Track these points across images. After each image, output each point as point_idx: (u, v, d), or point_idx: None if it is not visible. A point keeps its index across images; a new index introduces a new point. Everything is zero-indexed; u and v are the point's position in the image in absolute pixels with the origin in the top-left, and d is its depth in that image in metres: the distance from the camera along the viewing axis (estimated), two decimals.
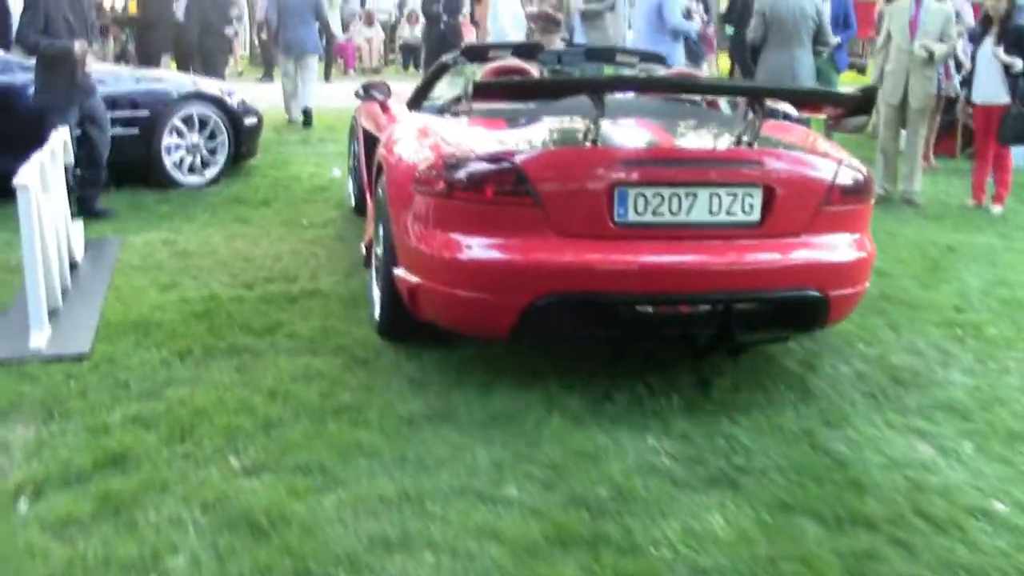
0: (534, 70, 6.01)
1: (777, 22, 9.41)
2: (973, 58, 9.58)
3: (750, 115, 4.83)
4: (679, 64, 9.85)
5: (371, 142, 6.82)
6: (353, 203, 8.20)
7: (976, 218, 9.19)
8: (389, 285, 5.01)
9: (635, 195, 4.45)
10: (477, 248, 4.45)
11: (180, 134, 9.11)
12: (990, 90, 9.34)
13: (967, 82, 9.92)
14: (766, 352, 5.35)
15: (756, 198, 4.57)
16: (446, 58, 7.18)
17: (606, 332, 4.77)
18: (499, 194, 4.43)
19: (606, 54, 7.52)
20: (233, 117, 9.40)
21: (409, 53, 24.20)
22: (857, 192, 4.86)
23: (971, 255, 7.75)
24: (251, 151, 9.85)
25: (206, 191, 9.00)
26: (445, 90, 6.84)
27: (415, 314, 4.86)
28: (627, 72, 7.00)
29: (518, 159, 4.45)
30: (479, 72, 5.98)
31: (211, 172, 9.31)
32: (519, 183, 4.41)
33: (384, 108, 6.78)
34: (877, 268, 6.47)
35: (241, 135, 9.48)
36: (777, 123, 5.52)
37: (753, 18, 9.51)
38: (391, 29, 25.64)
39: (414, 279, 4.69)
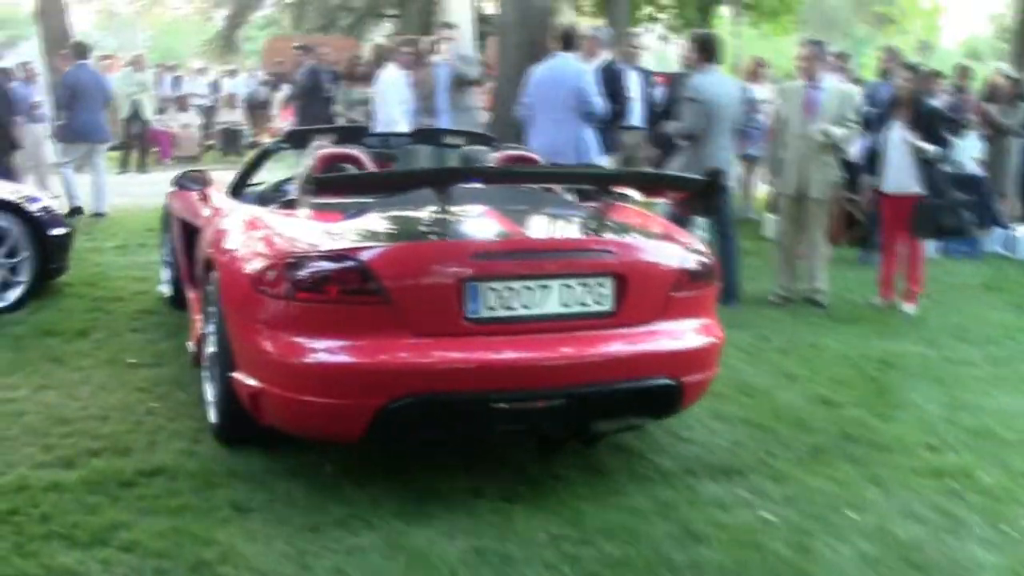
0: (364, 156, 5.85)
1: (718, 111, 8.52)
2: (880, 143, 8.79)
3: (596, 202, 4.83)
4: (596, 152, 9.15)
5: (188, 231, 6.70)
6: (170, 294, 7.83)
7: (892, 320, 8.47)
8: (226, 389, 4.75)
9: (487, 289, 4.37)
10: (324, 351, 4.28)
11: None
12: (902, 179, 8.58)
13: (867, 168, 9.12)
14: (750, 532, 4.40)
15: (608, 287, 4.55)
16: (268, 143, 6.97)
17: (461, 432, 4.70)
18: (345, 293, 4.28)
19: (432, 135, 7.61)
20: (37, 228, 7.93)
21: (228, 138, 22.73)
22: (704, 276, 4.88)
23: (910, 370, 6.98)
24: (61, 267, 8.35)
25: (8, 319, 7.48)
26: (267, 177, 6.75)
27: (257, 420, 4.59)
28: (454, 153, 6.95)
29: (364, 256, 4.31)
30: (307, 160, 5.80)
31: (12, 295, 7.80)
32: (365, 281, 4.26)
33: (204, 197, 6.49)
34: (822, 396, 6.32)
35: (48, 249, 8.01)
36: (622, 207, 5.36)
37: (691, 107, 8.51)
38: (206, 113, 24.13)
39: (255, 384, 4.48)
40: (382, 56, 13.00)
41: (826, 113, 8.61)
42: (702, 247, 5.03)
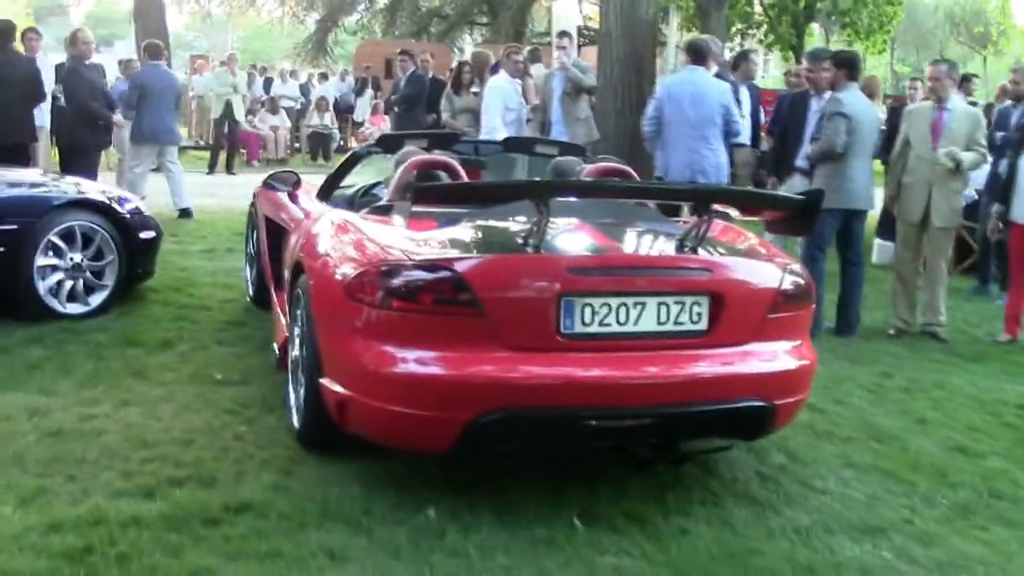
0: (456, 163, 5.82)
1: (860, 132, 7.96)
2: (1011, 169, 8.19)
3: (696, 219, 4.71)
4: (724, 173, 8.79)
5: (274, 231, 6.78)
6: (251, 293, 7.92)
7: (1022, 360, 7.79)
8: (313, 395, 4.68)
9: (582, 305, 4.29)
10: (415, 361, 4.21)
11: (58, 252, 7.27)
12: None
13: (992, 196, 8.51)
14: None
15: (704, 306, 4.47)
16: (360, 148, 6.97)
17: (551, 448, 4.72)
18: (439, 303, 4.21)
19: (523, 144, 7.55)
20: (125, 231, 7.59)
21: (317, 142, 22.57)
22: (800, 298, 4.78)
23: None
24: (148, 271, 8.03)
25: (91, 325, 7.13)
26: (358, 181, 6.77)
27: (342, 427, 4.53)
28: (546, 163, 6.74)
29: (459, 267, 4.24)
30: (399, 166, 5.75)
31: (97, 299, 7.46)
32: (460, 292, 4.19)
33: (293, 198, 6.53)
34: (959, 444, 5.82)
35: (135, 252, 7.68)
36: (723, 226, 5.33)
37: (840, 123, 7.89)
38: (297, 117, 24.00)
39: (343, 391, 4.41)
40: (484, 63, 12.61)
41: (954, 136, 8.07)
42: (799, 268, 4.93)
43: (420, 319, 4.23)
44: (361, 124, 23.54)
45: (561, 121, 11.11)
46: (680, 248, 4.73)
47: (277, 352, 5.81)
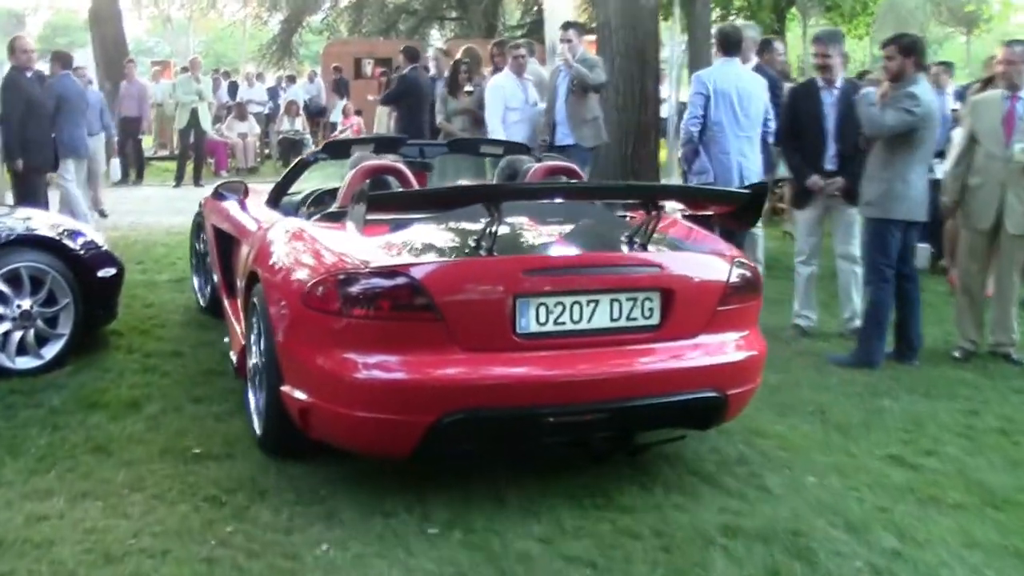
0: (404, 168, 5.87)
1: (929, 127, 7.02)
2: None
3: (645, 215, 4.81)
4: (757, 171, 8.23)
5: (223, 240, 6.83)
6: (203, 302, 8.00)
7: None
8: (274, 402, 4.76)
9: (537, 305, 4.39)
10: (376, 367, 4.28)
11: (2, 299, 6.26)
12: None
13: None
14: None
15: (655, 302, 4.58)
16: (307, 155, 6.90)
17: (511, 445, 4.87)
18: (397, 310, 4.28)
19: (469, 145, 7.70)
20: (80, 269, 6.58)
21: (288, 148, 21.45)
22: (748, 289, 4.90)
23: None
24: (109, 313, 7.01)
25: (44, 382, 6.15)
26: (307, 187, 6.80)
27: (306, 433, 4.61)
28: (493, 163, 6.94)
29: (415, 272, 4.32)
30: (348, 172, 5.75)
31: (52, 351, 6.44)
32: (417, 298, 4.27)
33: (242, 207, 6.58)
34: None
35: (93, 294, 6.66)
36: (672, 220, 5.46)
37: (906, 113, 6.84)
38: (266, 122, 22.88)
39: (305, 398, 4.50)
40: (479, 60, 11.61)
41: None
42: (746, 260, 5.04)
43: (379, 325, 4.28)
44: (335, 127, 22.39)
45: (566, 122, 10.12)
46: (631, 245, 4.81)
47: (235, 361, 5.76)
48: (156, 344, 7.07)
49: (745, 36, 8.71)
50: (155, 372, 6.43)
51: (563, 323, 4.45)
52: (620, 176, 11.41)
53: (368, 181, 5.50)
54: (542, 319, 4.41)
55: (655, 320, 4.59)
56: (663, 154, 13.83)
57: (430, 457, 4.60)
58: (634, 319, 4.56)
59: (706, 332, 4.72)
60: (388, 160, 6.03)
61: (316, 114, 24.08)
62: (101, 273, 6.72)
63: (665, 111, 12.42)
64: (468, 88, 11.28)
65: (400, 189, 5.61)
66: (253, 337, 5.19)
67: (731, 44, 8.13)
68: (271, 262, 5.05)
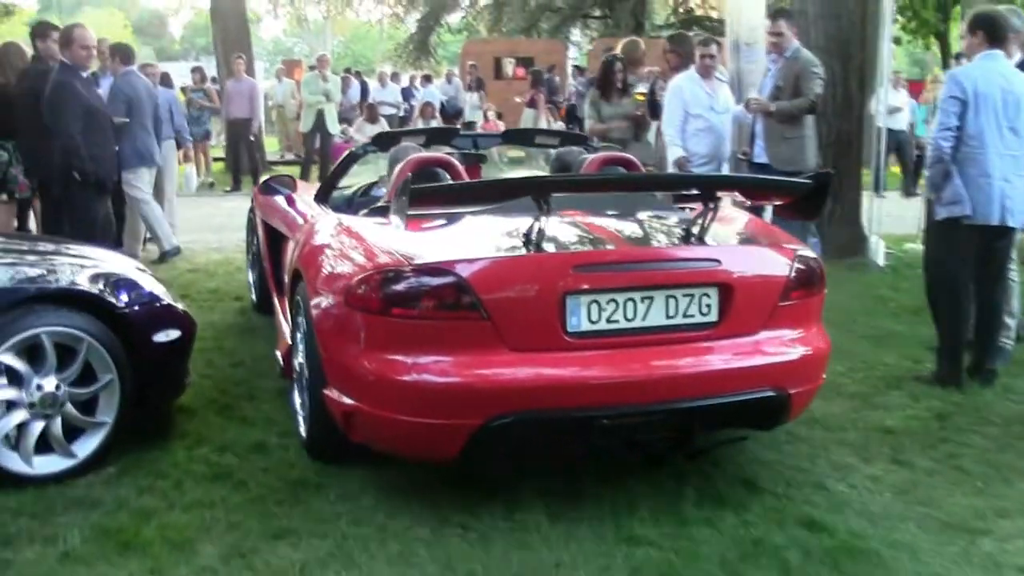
0: (455, 160, 5.63)
1: None
2: None
3: (703, 207, 4.57)
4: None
5: (273, 236, 6.69)
6: (255, 299, 7.80)
7: None
8: (318, 405, 4.55)
9: (588, 303, 4.20)
10: (420, 369, 4.08)
11: (14, 378, 4.46)
12: None
13: None
14: None
15: (713, 298, 4.37)
16: (356, 147, 6.67)
17: (562, 448, 4.64)
18: (441, 309, 4.08)
19: (524, 136, 7.64)
20: (130, 333, 4.75)
21: None
22: (811, 284, 4.68)
23: None
24: (172, 390, 5.18)
25: (69, 497, 4.34)
26: (356, 181, 6.70)
27: (349, 437, 4.40)
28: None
29: (461, 270, 4.11)
30: (396, 166, 5.50)
31: (86, 447, 4.63)
32: (463, 296, 4.08)
33: (290, 202, 6.39)
34: None
35: (148, 365, 4.83)
36: (728, 213, 5.18)
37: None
38: (399, 124, 21.18)
39: (349, 401, 4.29)
40: (639, 58, 9.66)
41: None
42: (809, 253, 4.74)
43: (423, 325, 4.09)
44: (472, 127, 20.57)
45: (764, 135, 8.07)
46: (687, 239, 4.62)
47: (280, 360, 5.58)
48: (236, 431, 5.18)
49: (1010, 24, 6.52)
50: (227, 481, 4.55)
51: (616, 321, 4.25)
52: None
53: (414, 174, 4.99)
54: (594, 317, 4.21)
55: (713, 317, 4.37)
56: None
57: (477, 462, 4.44)
58: (691, 316, 4.34)
59: (767, 329, 4.49)
60: (438, 152, 5.83)
61: (453, 116, 22.36)
62: (159, 337, 4.87)
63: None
64: (640, 89, 9.34)
65: (449, 182, 5.30)
66: (299, 336, 4.95)
67: (996, 31, 6.00)
68: (314, 259, 4.91)
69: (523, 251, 4.30)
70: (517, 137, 7.50)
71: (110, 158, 7.78)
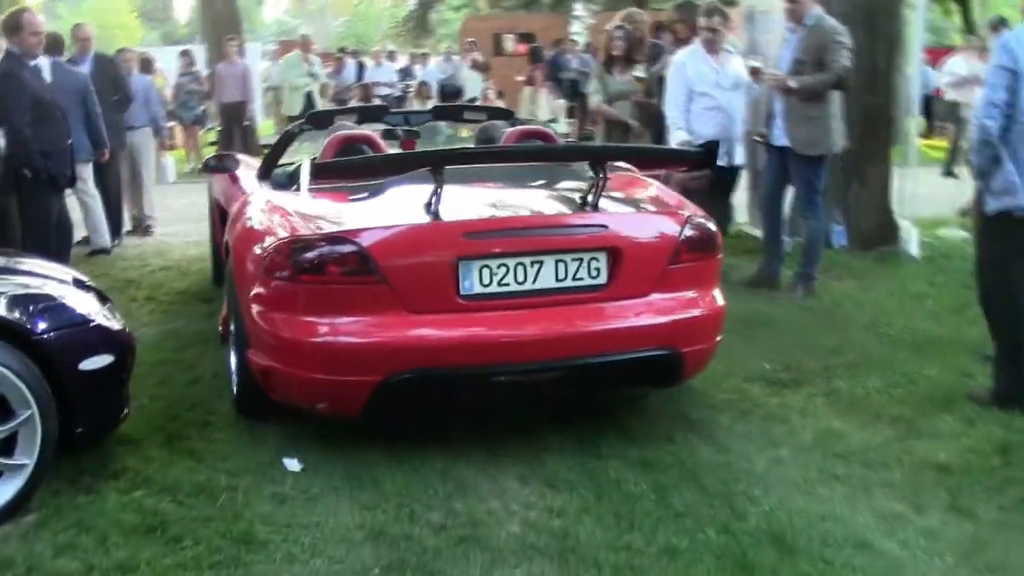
0: (377, 137, 5.99)
1: None
2: None
3: (596, 177, 4.83)
4: None
5: (223, 214, 6.70)
6: (212, 275, 7.96)
7: None
8: (244, 366, 4.89)
9: (479, 267, 4.49)
10: (325, 330, 4.41)
11: None
12: None
13: None
14: None
15: (602, 261, 4.63)
16: (292, 126, 7.11)
17: (460, 403, 4.89)
18: (344, 275, 4.41)
19: (453, 112, 8.04)
20: (54, 361, 4.12)
21: None
22: (705, 247, 4.90)
23: None
24: (105, 423, 4.52)
25: None
26: (298, 159, 6.38)
27: (269, 394, 4.74)
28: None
29: (361, 239, 4.43)
30: (322, 142, 5.93)
31: (4, 493, 4.01)
32: (363, 263, 4.39)
33: (233, 179, 6.61)
34: None
35: (76, 398, 4.20)
36: (626, 179, 5.48)
37: None
38: (396, 105, 20.45)
39: (266, 362, 4.62)
40: (644, 29, 8.97)
41: None
42: (701, 217, 4.97)
43: (328, 290, 4.41)
44: None
45: (783, 115, 7.40)
46: (577, 206, 4.91)
47: (220, 329, 5.79)
48: (181, 468, 4.50)
49: None
50: (159, 536, 3.89)
51: (507, 284, 4.51)
52: (838, 173, 8.80)
53: (339, 150, 5.58)
54: (485, 281, 4.49)
55: (602, 280, 4.63)
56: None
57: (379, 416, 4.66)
58: (580, 279, 4.60)
59: (658, 290, 4.72)
60: (361, 130, 6.15)
61: (452, 95, 21.60)
62: (87, 364, 4.23)
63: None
64: (638, 73, 8.66)
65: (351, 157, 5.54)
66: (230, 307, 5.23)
67: None
68: (237, 232, 5.23)
69: (418, 220, 4.60)
70: (446, 113, 7.83)
71: (63, 152, 7.11)
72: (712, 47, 7.84)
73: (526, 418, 5.03)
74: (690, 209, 5.05)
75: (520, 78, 19.28)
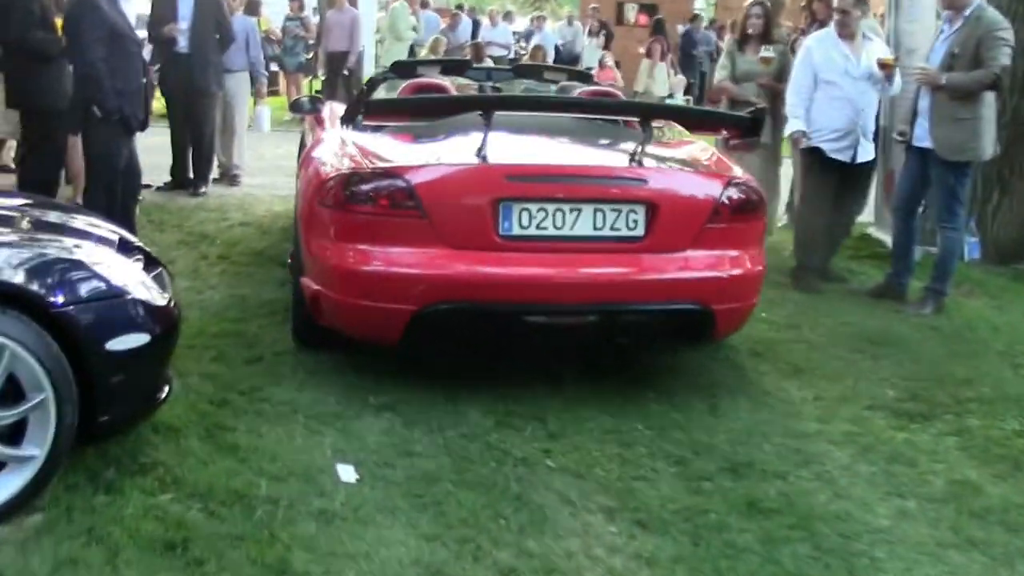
0: (450, 86, 6.25)
1: None
2: None
3: (644, 133, 5.07)
4: None
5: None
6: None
7: None
8: (298, 293, 5.12)
9: (519, 209, 4.62)
10: (368, 259, 4.61)
11: None
12: None
13: None
14: None
15: (640, 214, 4.73)
16: (376, 74, 7.91)
17: (492, 340, 5.03)
18: (390, 208, 4.60)
19: (533, 70, 7.90)
20: (74, 339, 3.53)
21: None
22: (746, 209, 4.97)
23: None
24: (134, 412, 3.92)
25: None
26: None
27: (318, 320, 4.92)
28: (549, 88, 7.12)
29: (408, 175, 4.62)
30: (399, 88, 6.30)
31: (7, 488, 3.43)
32: (408, 198, 4.56)
33: (319, 122, 6.69)
34: None
35: (100, 382, 3.60)
36: (679, 140, 5.86)
37: None
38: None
39: (315, 287, 4.81)
40: (779, 6, 8.21)
41: None
42: (745, 181, 5.03)
43: (373, 221, 4.61)
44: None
45: (928, 114, 6.57)
46: (622, 159, 5.04)
47: (290, 260, 5.83)
48: (218, 467, 3.89)
49: None
50: (179, 555, 3.30)
51: (545, 228, 4.64)
52: (984, 181, 8.11)
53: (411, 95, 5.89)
54: (524, 223, 4.62)
55: (639, 232, 4.72)
56: None
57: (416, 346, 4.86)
58: (618, 229, 4.70)
59: (694, 247, 4.81)
60: (438, 80, 6.30)
61: (570, 62, 20.85)
62: (115, 343, 3.63)
63: None
64: (767, 53, 7.90)
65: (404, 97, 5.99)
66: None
67: None
68: (307, 165, 5.42)
69: (463, 161, 4.81)
70: (527, 71, 7.87)
71: (137, 91, 6.53)
72: (844, 31, 7.02)
73: (622, 432, 4.57)
74: (734, 172, 5.13)
75: (641, 50, 18.45)
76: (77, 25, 6.27)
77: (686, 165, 5.21)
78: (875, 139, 7.44)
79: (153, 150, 10.37)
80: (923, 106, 6.66)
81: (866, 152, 7.23)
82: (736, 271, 4.91)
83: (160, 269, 4.23)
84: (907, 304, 6.85)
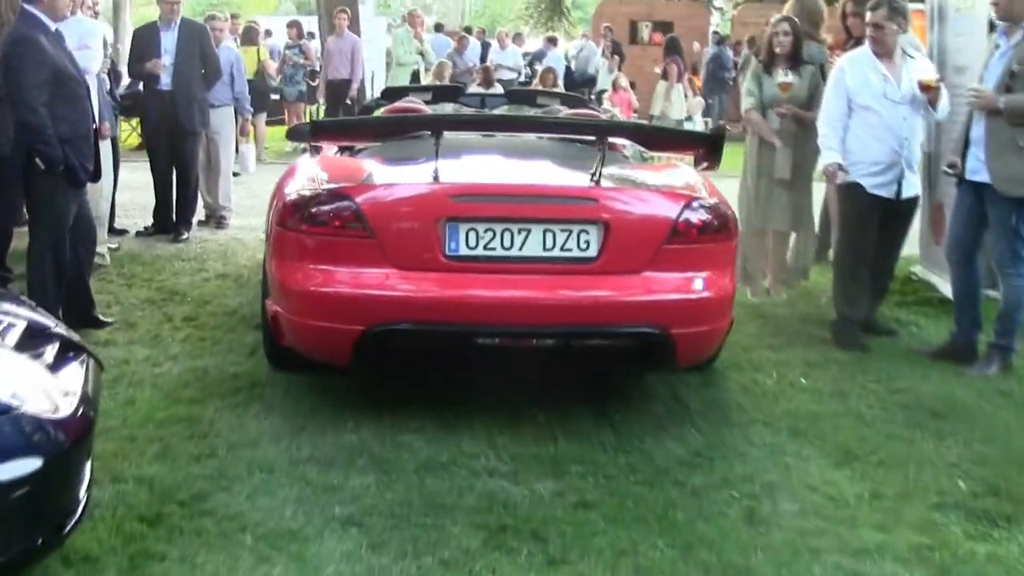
0: (425, 110, 6.40)
1: None
2: None
3: (599, 152, 4.95)
4: None
5: None
6: None
7: None
8: (264, 313, 5.20)
9: (466, 230, 4.63)
10: (315, 279, 4.66)
11: None
12: None
13: None
14: None
15: (592, 235, 4.69)
16: (368, 101, 8.00)
17: (441, 362, 5.10)
18: (339, 228, 4.65)
19: (527, 96, 8.07)
20: None
21: None
22: (710, 230, 4.90)
23: None
24: (26, 552, 3.13)
25: None
26: None
27: (280, 341, 5.00)
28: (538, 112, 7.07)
29: (355, 195, 4.68)
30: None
31: None
32: (355, 219, 4.62)
33: (315, 150, 6.54)
34: None
35: None
36: (660, 163, 6.01)
37: None
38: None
39: (274, 307, 4.93)
40: (819, 18, 7.46)
41: None
42: (709, 202, 4.96)
43: (323, 241, 4.68)
44: (600, 98, 18.17)
45: (984, 142, 5.74)
46: (573, 178, 5.05)
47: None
48: None
49: None
50: None
51: (493, 248, 4.64)
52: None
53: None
54: (471, 243, 4.63)
55: (592, 253, 4.68)
56: None
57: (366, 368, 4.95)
58: (569, 250, 4.67)
59: (651, 268, 4.74)
60: (415, 104, 6.57)
61: (583, 84, 20.10)
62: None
63: None
64: (785, 78, 7.13)
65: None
66: None
67: None
68: (277, 189, 5.36)
69: (409, 180, 4.88)
70: (521, 97, 7.85)
71: (85, 139, 5.77)
72: (881, 48, 6.21)
73: (639, 553, 3.71)
74: (696, 192, 5.01)
75: (656, 70, 17.68)
76: (16, 66, 5.53)
77: (645, 186, 5.11)
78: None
79: (141, 188, 9.71)
80: (977, 134, 5.81)
81: (912, 187, 6.41)
82: (697, 293, 4.83)
83: (82, 358, 3.49)
84: (970, 364, 5.96)
